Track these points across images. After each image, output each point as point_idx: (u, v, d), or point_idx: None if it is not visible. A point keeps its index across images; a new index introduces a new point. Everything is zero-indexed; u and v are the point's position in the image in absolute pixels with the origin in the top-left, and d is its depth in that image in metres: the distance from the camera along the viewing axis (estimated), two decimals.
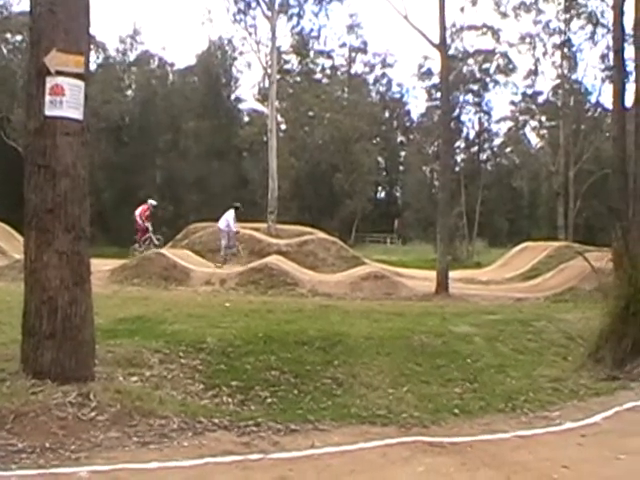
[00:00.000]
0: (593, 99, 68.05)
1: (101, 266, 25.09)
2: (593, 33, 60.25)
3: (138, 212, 33.16)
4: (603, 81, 62.93)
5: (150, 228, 33.06)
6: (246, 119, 79.74)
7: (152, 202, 33.70)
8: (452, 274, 28.27)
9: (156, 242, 32.87)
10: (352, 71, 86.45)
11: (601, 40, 59.54)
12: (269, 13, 43.63)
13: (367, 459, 6.77)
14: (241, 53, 67.96)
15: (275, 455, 6.70)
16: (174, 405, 7.74)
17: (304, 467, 6.44)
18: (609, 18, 40.59)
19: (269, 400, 8.53)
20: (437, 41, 26.83)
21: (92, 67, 59.13)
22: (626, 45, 22.11)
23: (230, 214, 30.82)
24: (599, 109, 66.42)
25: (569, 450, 7.23)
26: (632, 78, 18.91)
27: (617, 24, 22.33)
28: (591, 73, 74.86)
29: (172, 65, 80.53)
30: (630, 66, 20.31)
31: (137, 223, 33.17)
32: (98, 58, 72.61)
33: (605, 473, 6.55)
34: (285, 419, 7.74)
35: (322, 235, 36.44)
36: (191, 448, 6.74)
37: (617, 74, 22.84)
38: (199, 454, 6.58)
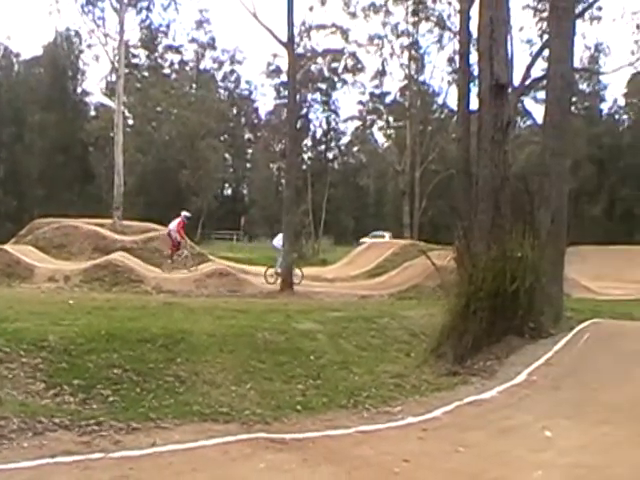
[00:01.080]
0: (440, 101, 70.14)
1: None
2: (440, 36, 62.22)
3: (174, 227, 30.64)
4: (449, 84, 65.18)
5: (184, 241, 30.95)
6: (93, 113, 78.07)
7: (186, 214, 31.32)
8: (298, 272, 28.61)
9: (188, 254, 30.76)
10: (201, 67, 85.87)
11: (448, 44, 61.63)
12: (117, 5, 43.06)
13: (208, 456, 6.86)
14: (89, 46, 65.88)
15: (116, 454, 6.71)
16: (14, 405, 7.64)
17: (145, 466, 6.48)
18: (456, 22, 41.78)
19: (111, 398, 8.49)
20: (285, 39, 27.12)
21: None
22: (472, 49, 22.87)
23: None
24: (445, 111, 68.48)
25: (410, 444, 7.51)
26: (476, 81, 19.61)
27: (463, 28, 23.08)
28: (438, 75, 77.03)
29: (17, 55, 77.99)
30: (475, 69, 21.01)
31: (171, 238, 30.70)
32: None
33: (445, 466, 6.85)
34: (127, 417, 7.75)
35: None
36: (31, 449, 6.68)
37: (462, 77, 23.63)
38: (39, 455, 6.53)
